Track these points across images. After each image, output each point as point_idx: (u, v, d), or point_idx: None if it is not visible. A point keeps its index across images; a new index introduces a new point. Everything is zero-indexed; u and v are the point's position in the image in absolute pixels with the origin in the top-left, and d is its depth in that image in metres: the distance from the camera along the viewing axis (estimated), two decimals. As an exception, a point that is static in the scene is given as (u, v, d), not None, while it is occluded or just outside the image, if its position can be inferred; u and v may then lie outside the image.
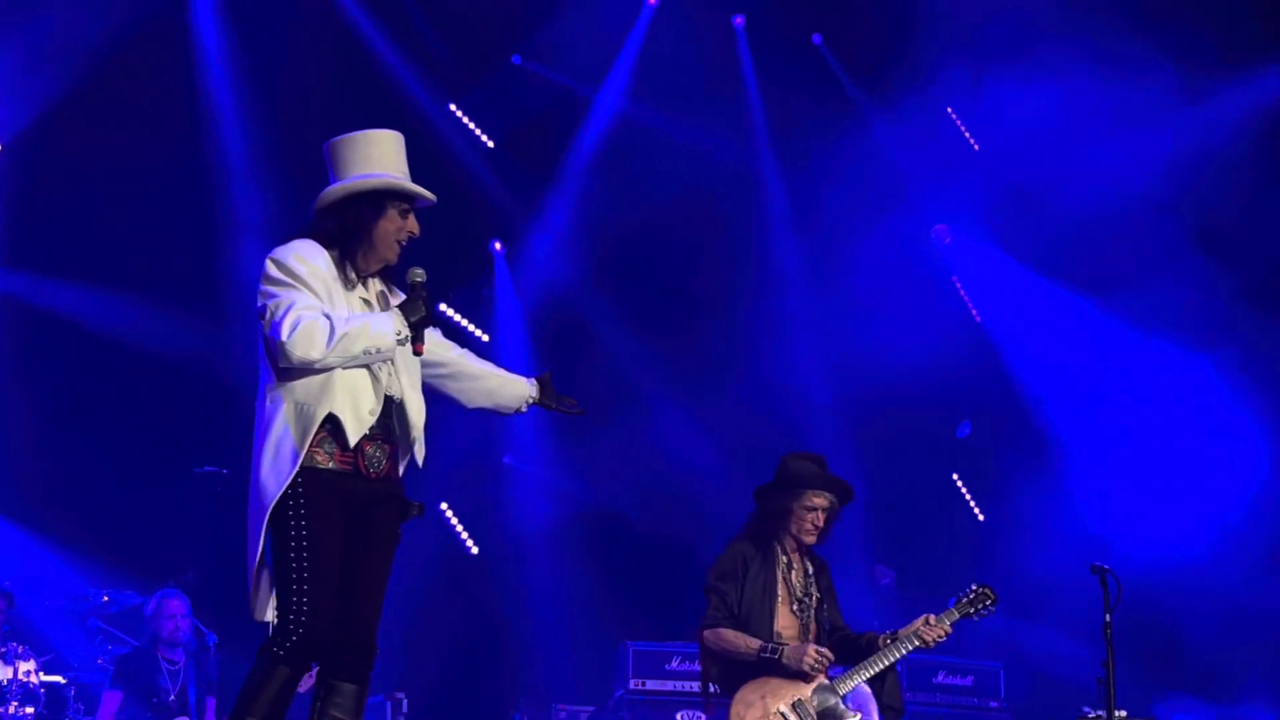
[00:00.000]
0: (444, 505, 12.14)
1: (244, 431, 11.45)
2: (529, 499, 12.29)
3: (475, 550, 12.22)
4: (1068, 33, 11.06)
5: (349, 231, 5.11)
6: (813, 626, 6.84)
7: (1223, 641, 10.78)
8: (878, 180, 12.29)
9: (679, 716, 10.14)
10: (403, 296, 5.20)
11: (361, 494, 5.08)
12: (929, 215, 12.52)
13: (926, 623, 6.67)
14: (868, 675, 6.66)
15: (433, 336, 5.40)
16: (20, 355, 10.68)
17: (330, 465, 5.01)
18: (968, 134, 12.43)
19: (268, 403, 5.05)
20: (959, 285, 12.70)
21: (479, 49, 11.81)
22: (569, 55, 11.86)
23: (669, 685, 10.12)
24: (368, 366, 5.03)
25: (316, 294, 4.99)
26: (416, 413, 5.22)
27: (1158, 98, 11.16)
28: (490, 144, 12.15)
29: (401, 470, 5.27)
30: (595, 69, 12.05)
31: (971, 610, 6.78)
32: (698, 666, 10.28)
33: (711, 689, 6.81)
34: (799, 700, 6.58)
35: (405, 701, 9.86)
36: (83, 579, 9.98)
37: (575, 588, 11.73)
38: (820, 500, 6.82)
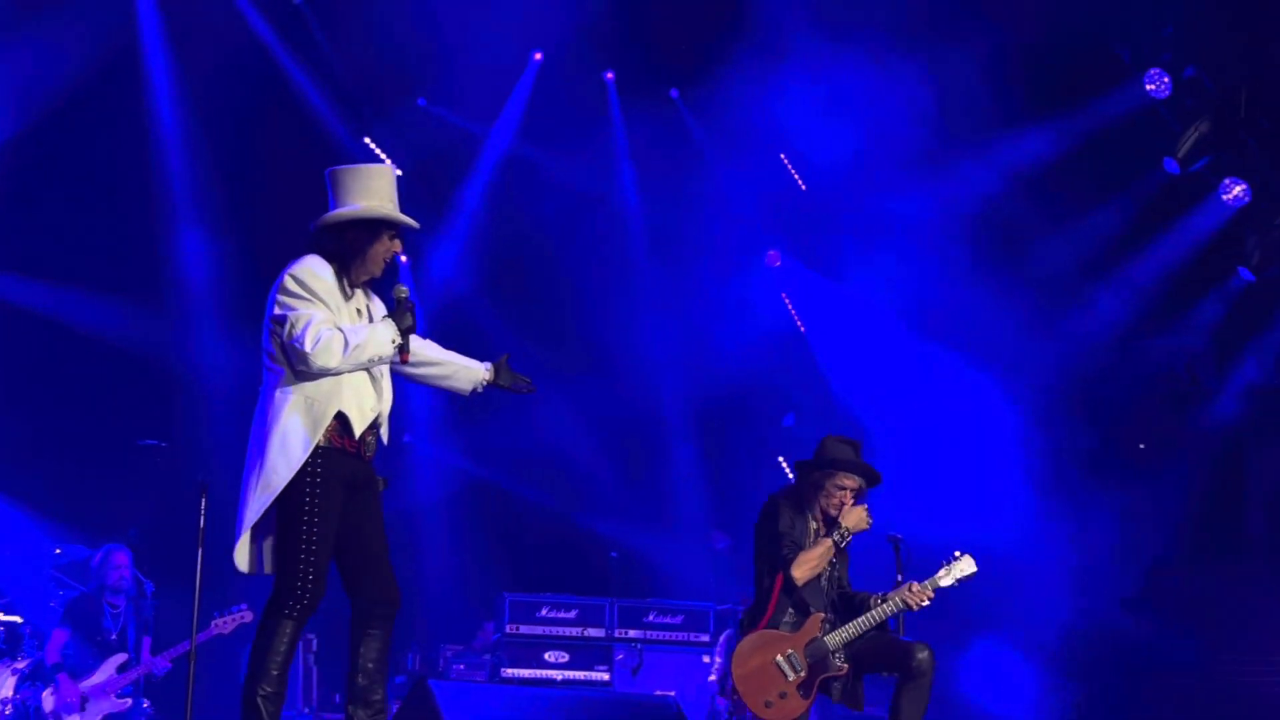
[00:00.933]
0: (352, 476, 11.99)
1: (180, 408, 11.32)
2: (425, 472, 12.20)
3: (377, 514, 12.08)
4: (876, 97, 11.18)
5: (347, 251, 5.13)
6: (824, 584, 6.52)
7: (997, 601, 10.96)
8: (721, 212, 12.35)
9: (547, 655, 10.12)
10: (379, 301, 5.27)
11: (360, 473, 5.13)
12: (763, 242, 12.59)
13: (910, 590, 6.41)
14: (857, 633, 6.38)
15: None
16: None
17: (340, 446, 5.04)
18: (796, 175, 12.52)
19: (276, 395, 5.04)
20: (787, 301, 12.79)
21: (390, 92, 11.70)
22: (466, 100, 11.79)
23: (539, 630, 10.09)
24: (370, 374, 5.12)
25: (329, 307, 5.03)
26: (388, 403, 5.26)
27: (947, 149, 11.34)
28: (399, 172, 11.96)
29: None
30: (488, 112, 11.98)
31: (954, 576, 6.50)
32: (565, 615, 10.36)
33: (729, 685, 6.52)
34: (792, 652, 6.34)
35: (315, 641, 9.74)
36: (39, 534, 9.76)
37: (462, 548, 11.67)
38: (850, 482, 6.53)
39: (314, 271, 5.07)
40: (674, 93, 12.28)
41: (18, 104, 10.20)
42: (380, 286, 5.43)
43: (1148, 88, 10.85)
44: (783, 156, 12.42)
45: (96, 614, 8.71)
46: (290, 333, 4.97)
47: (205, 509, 6.59)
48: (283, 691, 5.05)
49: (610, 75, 12.16)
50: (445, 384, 5.59)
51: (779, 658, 6.30)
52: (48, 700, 8.45)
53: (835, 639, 6.32)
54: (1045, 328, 11.66)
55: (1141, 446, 12.44)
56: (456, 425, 12.04)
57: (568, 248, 11.87)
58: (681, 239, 12.21)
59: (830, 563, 6.48)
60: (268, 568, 5.14)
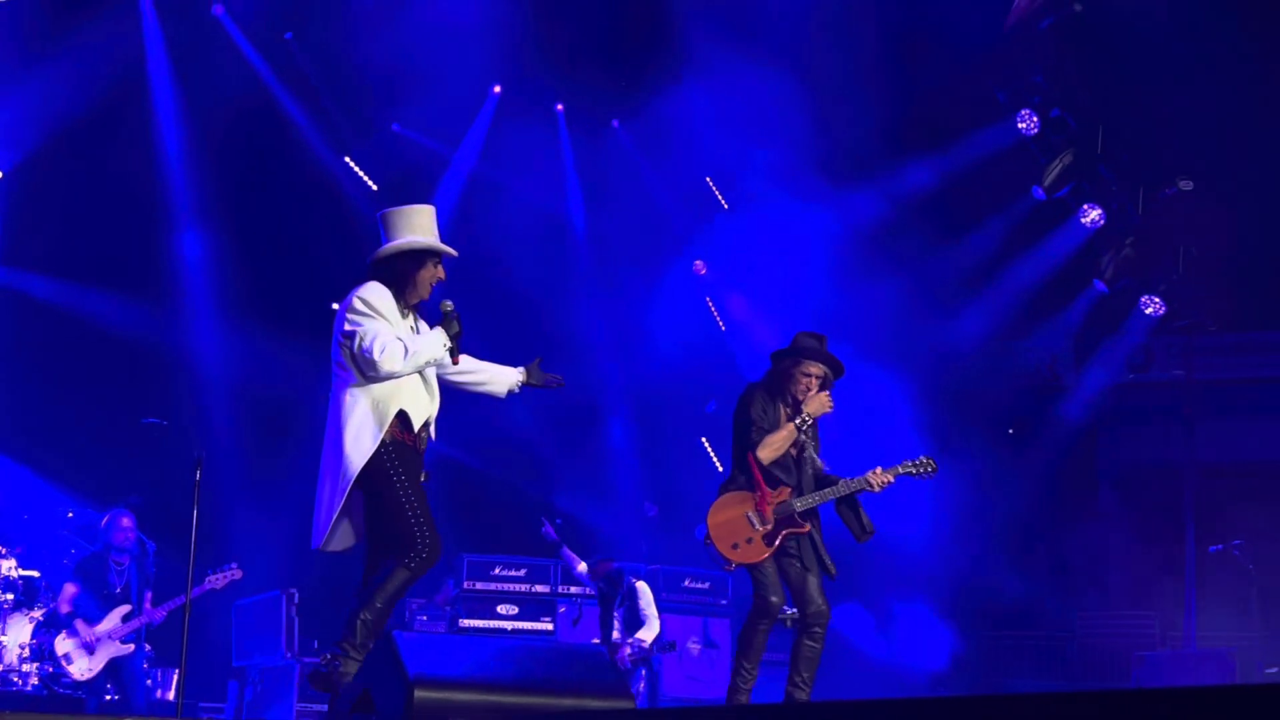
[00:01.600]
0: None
1: (179, 391, 11.24)
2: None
3: (354, 485, 12.03)
4: (789, 129, 11.27)
5: (399, 278, 5.32)
6: (792, 461, 6.30)
7: (885, 560, 11.07)
8: (654, 226, 12.39)
9: (499, 608, 10.15)
10: (423, 322, 5.40)
11: (417, 461, 5.28)
12: (691, 253, 12.64)
13: (874, 473, 6.21)
14: (820, 500, 6.21)
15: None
16: (10, 332, 10.34)
17: (402, 439, 5.20)
18: (720, 196, 12.58)
19: (347, 398, 5.21)
20: (710, 303, 12.85)
21: (368, 117, 11.66)
22: (435, 125, 11.76)
23: (493, 586, 10.13)
24: (424, 380, 5.30)
25: (391, 323, 5.21)
26: (437, 406, 5.42)
27: (848, 176, 11.44)
28: (375, 188, 11.99)
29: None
30: (454, 137, 11.96)
31: (914, 471, 6.32)
32: (515, 573, 10.40)
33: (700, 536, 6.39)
34: (759, 507, 6.13)
35: (296, 594, 9.72)
36: (54, 499, 9.68)
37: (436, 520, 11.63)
38: (814, 369, 6.29)
39: (377, 293, 5.26)
40: (615, 123, 12.32)
41: (39, 123, 10.10)
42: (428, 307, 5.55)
43: (1019, 125, 11.01)
44: (708, 179, 12.49)
45: (103, 570, 8.66)
46: (359, 344, 5.15)
47: (200, 479, 6.56)
48: (380, 626, 5.21)
49: (560, 107, 12.18)
50: (484, 389, 5.74)
51: (749, 511, 6.17)
52: (60, 645, 8.41)
53: (799, 503, 6.19)
54: (932, 330, 11.81)
55: (1010, 432, 12.63)
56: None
57: (522, 254, 11.88)
58: (620, 248, 12.26)
59: (799, 443, 6.28)
60: (341, 545, 5.38)
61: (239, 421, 11.16)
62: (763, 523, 6.15)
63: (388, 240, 5.38)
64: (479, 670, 4.51)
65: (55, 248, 10.47)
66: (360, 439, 5.15)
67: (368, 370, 5.15)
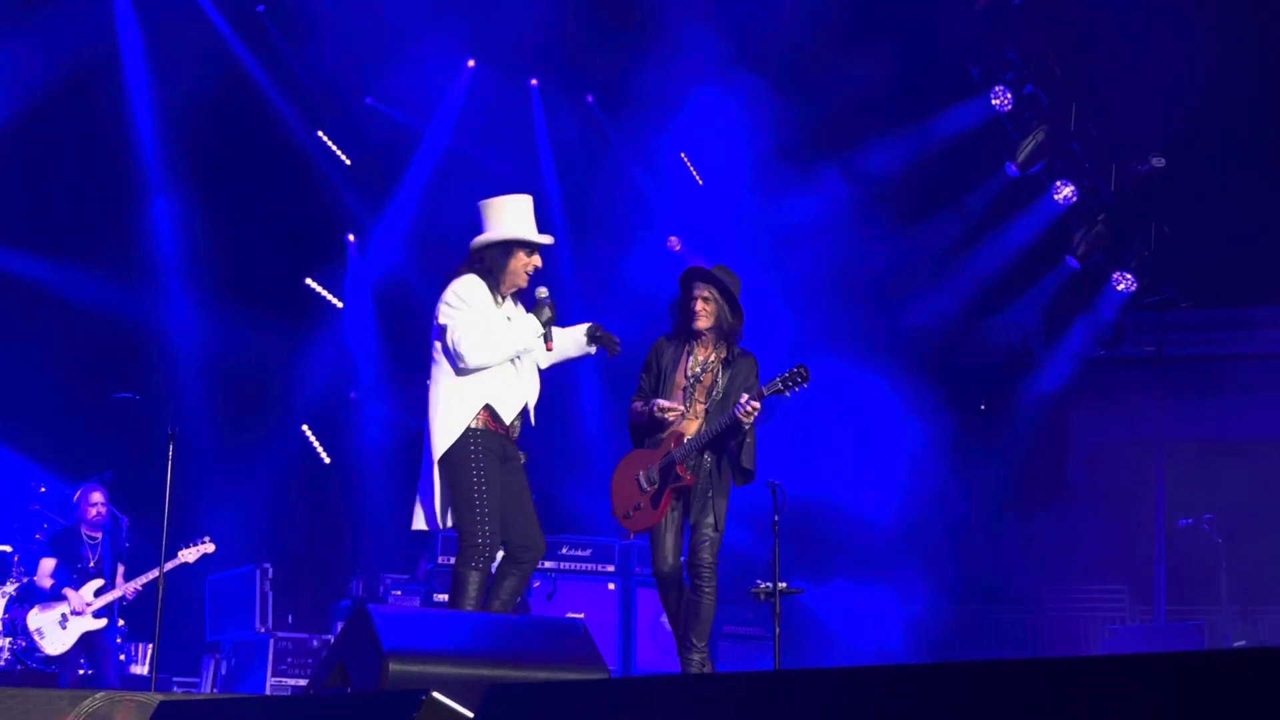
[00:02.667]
0: (304, 427, 11.92)
1: (151, 366, 11.17)
2: (368, 425, 12.13)
3: (327, 460, 12.03)
4: (762, 106, 11.25)
5: (491, 268, 5.49)
6: (698, 408, 5.91)
7: (856, 536, 11.13)
8: (630, 202, 12.36)
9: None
10: (522, 309, 5.55)
11: (508, 449, 5.48)
12: (666, 229, 12.62)
13: (741, 402, 5.74)
14: (696, 446, 5.79)
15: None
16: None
17: (491, 429, 5.40)
18: (694, 172, 12.56)
19: (441, 387, 5.43)
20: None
21: (341, 91, 11.58)
22: (409, 100, 11.69)
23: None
24: (516, 370, 5.44)
25: (481, 314, 5.39)
26: (535, 394, 5.58)
27: (821, 153, 11.43)
28: (348, 162, 11.94)
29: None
30: (427, 111, 11.88)
31: (783, 387, 5.84)
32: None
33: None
34: (651, 466, 5.88)
35: (270, 570, 9.71)
36: (27, 474, 9.62)
37: (402, 491, 11.61)
38: (701, 290, 5.94)
39: (468, 285, 5.44)
40: (590, 98, 12.27)
41: (7, 94, 9.98)
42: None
43: (993, 102, 11.02)
44: (683, 155, 12.46)
45: (76, 544, 8.62)
46: (451, 337, 5.35)
47: (172, 455, 6.54)
48: None
49: (534, 81, 12.11)
50: (566, 358, 5.81)
51: (640, 473, 5.93)
52: (33, 619, 8.36)
53: (682, 453, 5.84)
54: (906, 306, 11.85)
55: (982, 407, 12.69)
56: (398, 384, 11.99)
57: (496, 230, 11.83)
58: (595, 224, 12.22)
59: (693, 379, 5.92)
60: (443, 524, 5.49)
61: (212, 396, 11.11)
62: (650, 483, 5.89)
63: (483, 230, 5.54)
64: (454, 643, 4.50)
65: (26, 221, 10.37)
66: (446, 427, 5.36)
67: (457, 362, 5.35)
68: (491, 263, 5.49)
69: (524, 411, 5.53)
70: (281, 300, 11.58)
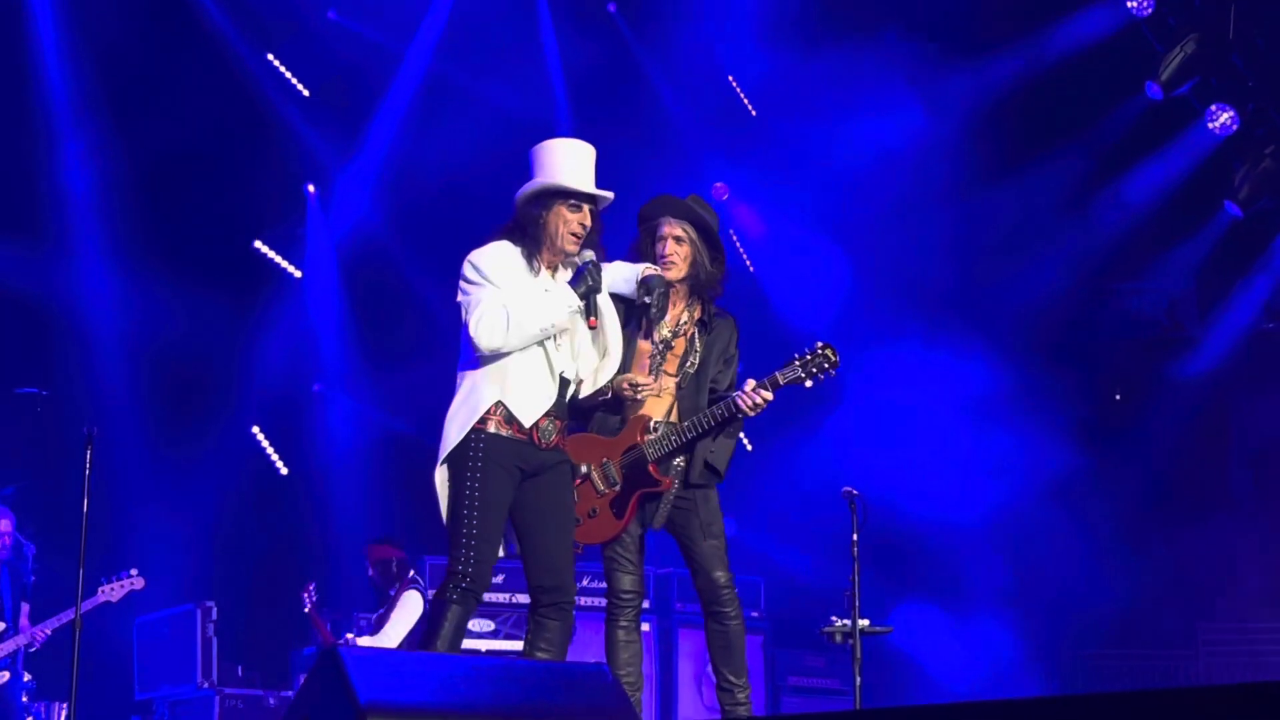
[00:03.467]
0: (255, 429, 11.98)
1: (61, 351, 11.24)
2: (336, 424, 12.19)
3: (285, 471, 12.08)
4: (835, 15, 11.22)
5: (525, 229, 5.50)
6: (666, 381, 5.81)
7: (956, 561, 11.10)
8: (663, 140, 12.33)
9: (471, 623, 10.15)
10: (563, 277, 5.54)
11: (534, 460, 5.47)
12: (709, 173, 12.59)
13: (747, 387, 5.66)
14: (679, 442, 5.72)
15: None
16: None
17: (507, 433, 5.42)
18: (746, 100, 12.52)
19: (459, 379, 5.52)
20: (735, 239, 12.82)
21: (297, 3, 11.59)
22: (381, 12, 11.70)
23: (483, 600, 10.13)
24: (547, 358, 5.45)
25: (504, 287, 5.41)
26: (576, 384, 5.61)
27: (907, 72, 11.39)
28: (306, 93, 11.96)
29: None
30: (405, 27, 11.89)
31: (801, 374, 5.72)
32: (495, 580, 10.38)
33: None
34: (608, 461, 5.79)
35: (214, 609, 9.75)
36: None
37: (378, 506, 11.68)
38: (672, 228, 5.84)
39: (489, 254, 5.49)
40: (611, 6, 12.25)
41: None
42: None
43: (1128, 4, 10.92)
44: (732, 79, 12.43)
45: (-32, 580, 8.68)
46: (465, 318, 5.43)
47: (91, 462, 6.57)
48: None
49: (541, -15, 12.13)
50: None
51: (592, 468, 5.79)
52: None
53: (655, 448, 5.71)
54: (1011, 272, 11.78)
55: (1117, 398, 12.61)
56: (371, 373, 12.03)
57: (492, 178, 11.77)
58: (619, 170, 12.10)
59: (662, 345, 5.80)
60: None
61: (138, 390, 11.17)
62: (610, 483, 5.79)
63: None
64: (446, 694, 4.50)
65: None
66: (451, 426, 5.46)
67: (473, 349, 5.43)
68: (526, 221, 5.51)
69: (557, 413, 5.52)
70: (224, 269, 11.63)
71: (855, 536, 6.79)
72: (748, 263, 12.80)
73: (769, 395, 5.68)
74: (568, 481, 5.63)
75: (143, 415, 11.11)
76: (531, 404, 5.46)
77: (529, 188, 5.52)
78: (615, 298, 5.76)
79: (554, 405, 5.51)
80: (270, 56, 11.78)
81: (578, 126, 12.35)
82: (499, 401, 5.41)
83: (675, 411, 5.82)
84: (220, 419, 11.72)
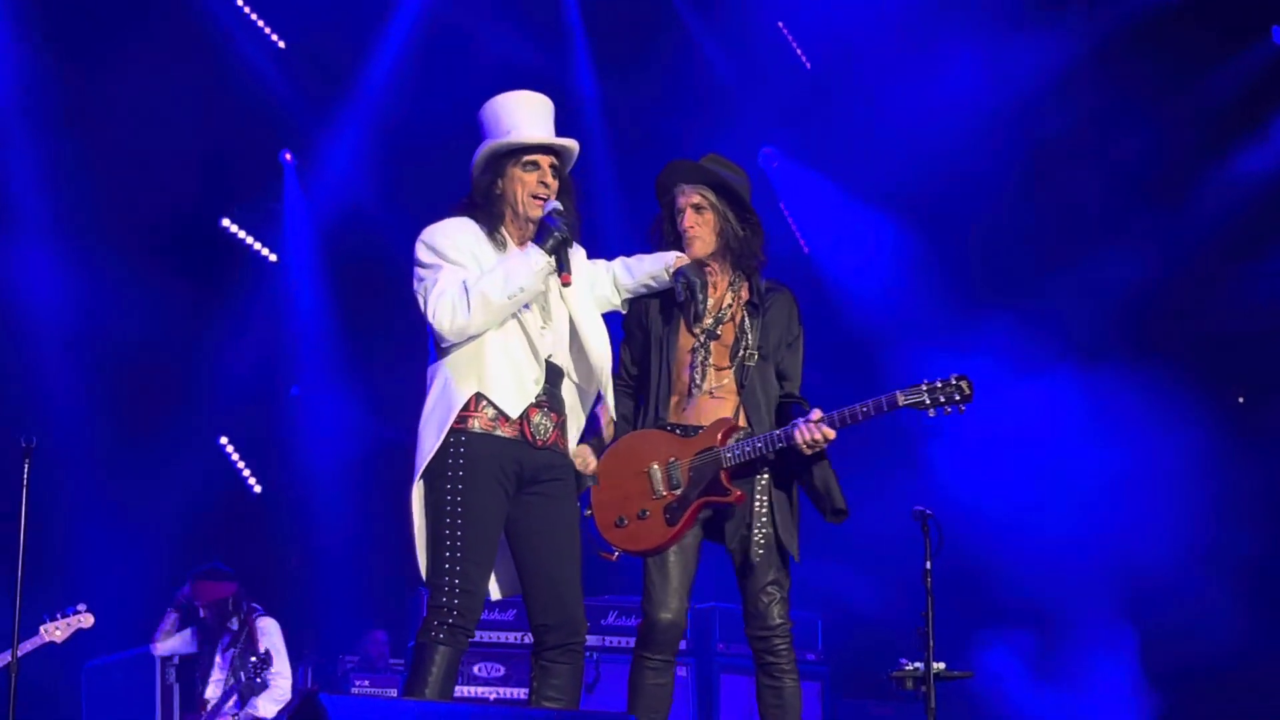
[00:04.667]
0: (223, 439, 12.01)
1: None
2: (319, 433, 12.20)
3: (258, 489, 12.11)
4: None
5: (480, 201, 5.51)
6: (719, 377, 5.77)
7: (1048, 594, 11.05)
8: (700, 97, 12.35)
9: (476, 668, 10.18)
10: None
11: (529, 463, 5.42)
12: (755, 137, 12.59)
13: (813, 419, 5.54)
14: (766, 450, 5.61)
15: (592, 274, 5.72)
16: None
17: (494, 430, 5.37)
18: (800, 51, 12.51)
19: (429, 378, 5.47)
20: (786, 213, 12.81)
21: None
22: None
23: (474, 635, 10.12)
24: (525, 334, 5.42)
25: (462, 265, 5.40)
26: (598, 354, 5.55)
27: (989, 20, 11.37)
28: (281, 44, 11.99)
29: (572, 441, 5.59)
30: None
31: (929, 401, 5.62)
32: (503, 616, 10.38)
33: None
34: (675, 460, 5.71)
35: (178, 655, 9.77)
36: None
37: (368, 529, 11.69)
38: (689, 197, 5.80)
39: (444, 230, 5.48)
40: (641, -59, 12.29)
41: None
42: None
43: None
44: (781, 25, 12.43)
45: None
46: (422, 307, 5.38)
47: (29, 480, 6.58)
48: None
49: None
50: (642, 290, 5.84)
51: (655, 466, 5.73)
52: None
53: (731, 450, 5.66)
54: (1110, 249, 11.73)
55: (1241, 400, 12.56)
56: (358, 373, 12.05)
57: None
58: (650, 133, 12.21)
59: (706, 335, 5.76)
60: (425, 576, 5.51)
61: (87, 394, 11.21)
62: (671, 485, 5.72)
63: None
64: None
65: None
66: (426, 432, 5.41)
67: (439, 340, 5.41)
68: (480, 193, 5.52)
69: (549, 403, 5.45)
70: (186, 252, 11.66)
71: (928, 565, 6.79)
72: (803, 244, 12.81)
73: (831, 434, 5.55)
74: (571, 492, 5.54)
75: (91, 424, 11.14)
76: (516, 390, 5.40)
77: (477, 154, 5.52)
78: (648, 296, 5.80)
79: (545, 394, 5.44)
80: (240, 2, 11.82)
81: (601, 83, 12.36)
82: (478, 394, 5.36)
83: (742, 415, 5.76)
84: (182, 428, 11.75)
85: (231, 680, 9.01)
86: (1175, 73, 11.72)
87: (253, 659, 8.88)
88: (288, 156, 12.30)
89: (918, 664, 6.74)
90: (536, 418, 5.42)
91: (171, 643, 9.48)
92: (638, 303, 5.86)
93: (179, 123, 11.22)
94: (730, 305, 5.80)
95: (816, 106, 12.33)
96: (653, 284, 5.75)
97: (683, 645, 10.04)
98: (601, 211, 12.19)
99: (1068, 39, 11.56)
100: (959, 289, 11.63)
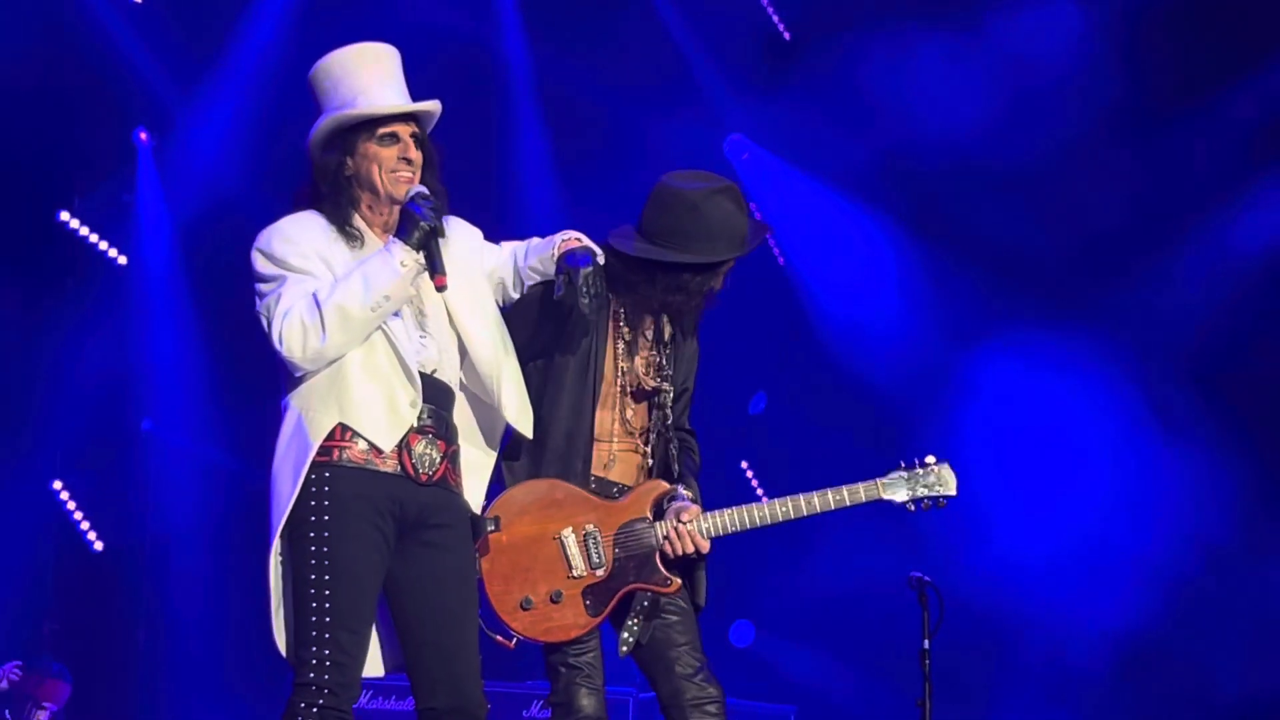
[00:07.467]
0: (57, 484, 11.98)
1: None
2: (176, 479, 12.16)
3: (99, 546, 12.08)
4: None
5: (326, 190, 5.54)
6: (623, 430, 5.98)
7: (1059, 660, 11.17)
8: (658, 74, 12.42)
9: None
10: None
11: (413, 503, 5.45)
12: (723, 122, 12.67)
13: (677, 523, 5.81)
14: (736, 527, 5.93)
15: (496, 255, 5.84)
16: None
17: (365, 464, 5.38)
18: (777, 19, 12.62)
19: (282, 414, 5.51)
20: (758, 216, 12.90)
21: None
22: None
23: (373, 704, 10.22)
24: (394, 349, 5.41)
25: (309, 273, 5.40)
26: (488, 362, 5.58)
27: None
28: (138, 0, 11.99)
29: (463, 476, 5.63)
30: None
31: (907, 496, 6.03)
32: (399, 705, 10.38)
33: None
34: (594, 529, 5.82)
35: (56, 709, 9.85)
36: None
37: (238, 598, 11.69)
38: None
39: (281, 232, 5.50)
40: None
41: None
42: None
43: None
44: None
45: None
46: (266, 331, 5.41)
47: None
48: None
49: None
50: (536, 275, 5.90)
51: (569, 534, 5.81)
52: None
53: (711, 521, 5.88)
54: (1142, 262, 11.87)
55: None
56: (224, 404, 12.03)
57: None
58: (593, 111, 12.29)
59: (623, 379, 5.97)
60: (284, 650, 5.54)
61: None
62: (592, 562, 5.80)
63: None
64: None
65: None
66: (279, 477, 5.43)
67: (292, 369, 5.41)
68: (325, 176, 5.55)
69: (434, 428, 5.49)
70: (14, 253, 11.65)
71: (926, 643, 6.86)
72: (777, 255, 12.85)
73: (705, 546, 5.83)
74: (467, 539, 5.58)
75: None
76: (388, 416, 5.41)
77: (315, 130, 5.55)
78: (544, 297, 5.85)
79: (428, 418, 5.47)
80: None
81: (533, 47, 12.39)
82: (340, 424, 5.38)
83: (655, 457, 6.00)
84: (5, 470, 11.72)
85: None
86: (1248, 44, 11.92)
87: None
88: (143, 136, 12.24)
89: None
90: (419, 447, 5.46)
91: None
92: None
93: (11, 93, 11.22)
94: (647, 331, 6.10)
95: (795, 85, 12.42)
96: (537, 275, 5.86)
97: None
98: (537, 203, 12.30)
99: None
100: (969, 296, 11.72)
